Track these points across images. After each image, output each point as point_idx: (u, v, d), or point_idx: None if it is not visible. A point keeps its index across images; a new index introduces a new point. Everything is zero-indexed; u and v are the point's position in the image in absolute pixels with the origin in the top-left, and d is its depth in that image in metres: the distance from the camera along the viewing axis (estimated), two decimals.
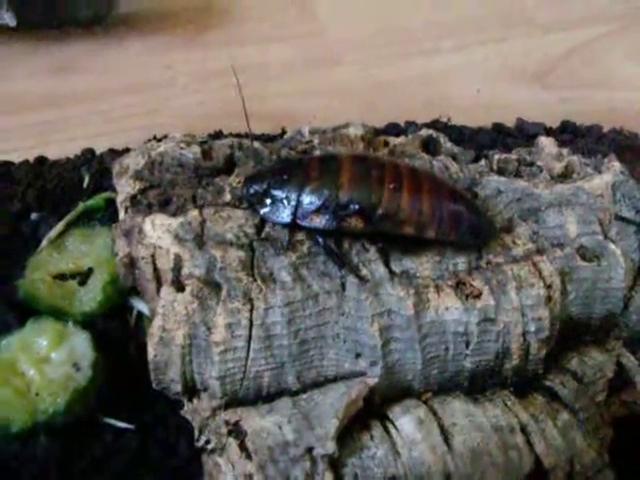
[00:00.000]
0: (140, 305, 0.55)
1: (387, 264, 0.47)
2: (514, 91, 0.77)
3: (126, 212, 0.51)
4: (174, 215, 0.49)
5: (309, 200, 0.46)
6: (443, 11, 0.91)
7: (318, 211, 0.46)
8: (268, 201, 0.47)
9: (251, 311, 0.44)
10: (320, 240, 0.46)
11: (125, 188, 0.51)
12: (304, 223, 0.46)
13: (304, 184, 0.47)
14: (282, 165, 0.50)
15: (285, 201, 0.46)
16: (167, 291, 0.45)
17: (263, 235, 0.48)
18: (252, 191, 0.48)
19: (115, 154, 0.68)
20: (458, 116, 0.76)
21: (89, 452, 0.50)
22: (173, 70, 0.83)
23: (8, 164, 0.68)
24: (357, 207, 0.45)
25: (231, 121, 0.73)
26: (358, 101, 0.79)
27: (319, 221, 0.46)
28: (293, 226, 0.47)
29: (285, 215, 0.46)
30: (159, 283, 0.47)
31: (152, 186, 0.51)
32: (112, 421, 0.51)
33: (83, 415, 0.50)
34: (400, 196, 0.46)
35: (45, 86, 0.81)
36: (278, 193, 0.47)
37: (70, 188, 0.66)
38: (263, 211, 0.47)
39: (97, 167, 0.68)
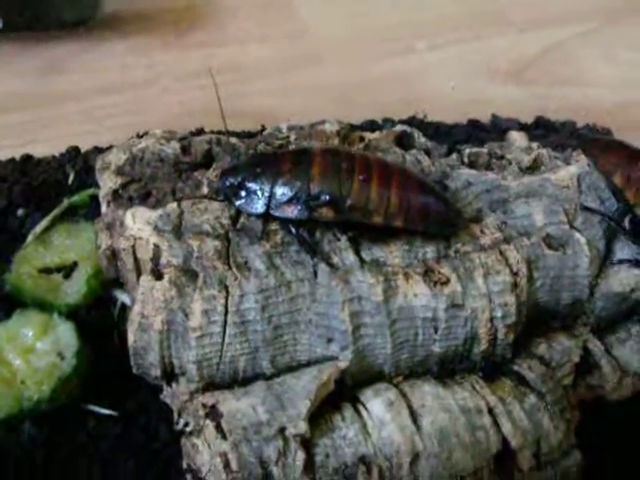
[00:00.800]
0: (123, 297, 0.57)
1: (357, 252, 0.48)
2: (489, 88, 0.78)
3: (108, 206, 0.52)
4: (154, 208, 0.50)
5: (281, 191, 0.48)
6: (420, 10, 0.92)
7: (290, 202, 0.47)
8: (243, 193, 0.49)
9: (226, 298, 0.45)
10: (293, 230, 0.48)
11: (107, 183, 0.53)
12: (277, 213, 0.48)
13: (277, 176, 0.48)
14: (256, 159, 0.51)
15: (259, 193, 0.48)
16: (146, 279, 0.46)
17: (238, 226, 0.49)
18: (227, 184, 0.49)
19: (99, 152, 0.70)
20: (434, 113, 0.78)
21: (73, 438, 0.51)
22: (155, 70, 0.85)
23: None
24: (327, 198, 0.47)
25: (212, 119, 0.75)
26: (337, 99, 0.81)
27: (291, 211, 0.47)
28: (267, 216, 0.48)
29: (259, 206, 0.48)
30: (139, 273, 0.49)
31: (133, 180, 0.53)
32: (95, 408, 0.53)
33: (67, 402, 0.52)
34: (369, 187, 0.47)
35: (31, 86, 0.83)
36: (252, 185, 0.48)
37: (55, 185, 0.68)
38: (238, 203, 0.49)
39: (82, 165, 0.70)
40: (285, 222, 0.49)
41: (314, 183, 0.48)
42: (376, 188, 0.47)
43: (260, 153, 0.55)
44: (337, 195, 0.47)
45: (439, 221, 0.50)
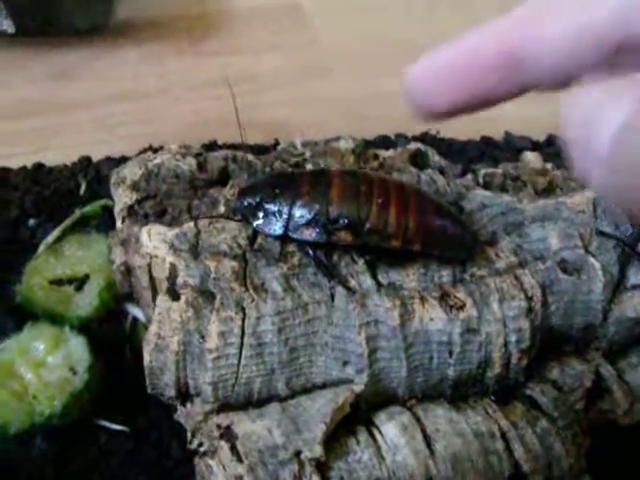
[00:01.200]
0: (135, 311, 0.57)
1: (374, 276, 0.49)
2: (502, 104, 0.78)
3: (123, 222, 0.52)
4: (170, 225, 0.50)
5: (300, 214, 0.48)
6: (433, 23, 0.92)
7: (309, 224, 0.47)
8: (261, 214, 0.49)
9: (243, 320, 0.45)
10: (310, 252, 0.48)
11: (122, 198, 0.53)
12: (295, 235, 0.48)
13: (295, 198, 0.48)
14: (274, 179, 0.51)
15: (277, 214, 0.48)
16: (163, 299, 0.46)
17: (256, 247, 0.49)
18: (245, 204, 0.49)
19: (111, 162, 0.70)
20: (447, 129, 0.78)
21: (84, 453, 0.51)
22: (168, 79, 0.85)
23: (7, 170, 0.70)
24: (346, 221, 0.47)
25: (225, 130, 0.75)
26: (350, 112, 0.81)
27: (309, 234, 0.47)
28: (284, 238, 0.48)
29: (277, 227, 0.48)
30: (155, 291, 0.49)
31: (148, 197, 0.53)
32: (107, 423, 0.53)
33: (79, 417, 0.52)
34: (387, 211, 0.47)
35: (43, 93, 0.83)
36: (270, 206, 0.48)
37: (67, 195, 0.68)
38: (256, 223, 0.49)
39: (93, 174, 0.69)
40: (302, 244, 0.49)
41: (333, 206, 0.48)
42: (394, 212, 0.47)
43: (277, 173, 0.55)
44: (355, 219, 0.47)
45: (456, 245, 0.50)
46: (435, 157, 0.61)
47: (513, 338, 0.48)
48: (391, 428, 0.46)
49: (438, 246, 0.49)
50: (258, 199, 0.49)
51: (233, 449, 0.44)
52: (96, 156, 0.72)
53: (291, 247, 0.49)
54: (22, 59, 0.85)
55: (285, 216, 0.48)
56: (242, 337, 0.45)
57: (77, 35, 0.86)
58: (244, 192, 0.51)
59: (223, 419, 0.46)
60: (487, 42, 0.37)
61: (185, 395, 0.47)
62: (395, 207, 0.48)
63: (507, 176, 0.59)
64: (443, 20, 0.94)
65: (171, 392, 0.47)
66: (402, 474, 0.44)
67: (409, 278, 0.49)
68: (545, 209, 0.55)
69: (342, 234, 0.47)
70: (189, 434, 0.47)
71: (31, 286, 0.58)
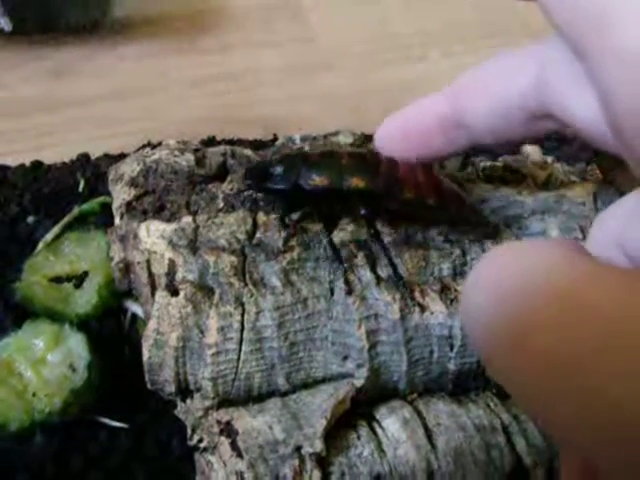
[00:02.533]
0: (134, 307, 0.56)
1: (374, 269, 0.48)
2: None
3: (121, 218, 0.52)
4: (168, 221, 0.50)
5: (312, 168, 0.47)
6: (433, 18, 0.92)
7: (321, 175, 0.47)
8: (269, 176, 0.48)
9: (242, 315, 0.45)
10: (324, 240, 0.48)
11: (120, 194, 0.53)
12: (307, 185, 0.47)
13: (306, 159, 0.48)
14: (282, 156, 0.51)
15: (287, 172, 0.48)
16: (162, 295, 0.46)
17: (254, 241, 0.49)
18: (255, 173, 0.49)
19: (110, 159, 0.70)
20: None
21: (84, 450, 0.51)
22: (166, 75, 0.84)
23: (5, 168, 0.70)
24: (358, 171, 0.47)
25: (224, 126, 0.75)
26: (348, 107, 0.81)
27: (321, 181, 0.47)
28: (294, 197, 0.48)
29: (287, 181, 0.47)
30: (154, 287, 0.49)
31: (147, 192, 0.52)
32: (107, 420, 0.52)
33: (79, 415, 0.52)
34: (396, 170, 0.47)
35: (40, 90, 0.82)
36: (280, 168, 0.48)
37: (66, 192, 0.67)
38: (264, 185, 0.48)
39: (92, 172, 0.69)
40: (313, 205, 0.49)
41: (344, 162, 0.47)
42: (404, 171, 0.47)
43: (285, 153, 0.54)
44: (366, 171, 0.47)
45: (471, 213, 0.50)
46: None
47: None
48: (392, 422, 0.46)
49: (453, 204, 0.49)
50: (266, 167, 0.49)
51: (233, 445, 0.44)
52: (94, 153, 0.72)
53: (291, 242, 0.49)
54: (19, 57, 0.85)
55: (295, 173, 0.47)
56: (242, 332, 0.45)
57: (74, 33, 0.86)
58: (252, 168, 0.51)
59: (223, 415, 0.45)
60: (429, 109, 0.44)
61: (185, 391, 0.47)
62: (403, 171, 0.48)
63: (507, 169, 0.59)
64: (445, 15, 0.94)
65: (171, 388, 0.46)
66: (403, 469, 0.44)
67: (409, 271, 0.49)
68: (545, 202, 0.55)
69: (354, 180, 0.47)
70: (189, 430, 0.46)
71: (30, 284, 0.58)
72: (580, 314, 0.22)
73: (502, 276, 0.25)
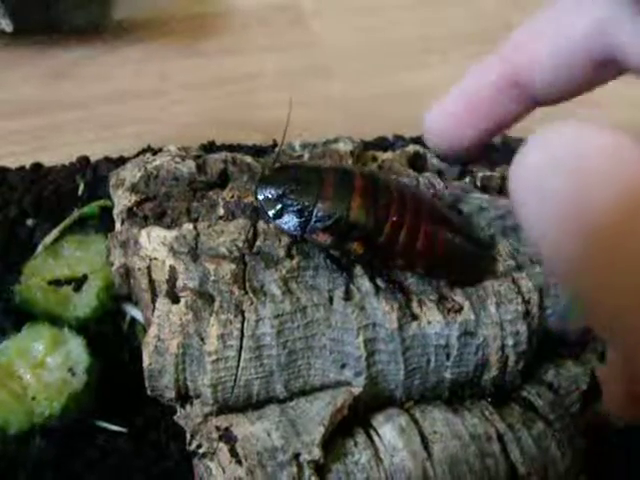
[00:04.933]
0: (133, 311, 0.57)
1: (372, 279, 0.49)
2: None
3: (122, 224, 0.52)
4: (169, 228, 0.50)
5: (319, 217, 0.47)
6: (433, 25, 0.92)
7: (326, 230, 0.47)
8: (279, 206, 0.48)
9: (242, 322, 0.46)
10: (325, 256, 0.49)
11: (121, 200, 0.53)
12: (311, 238, 0.48)
13: (318, 200, 0.47)
14: (299, 172, 0.50)
15: (297, 213, 0.47)
16: (162, 302, 0.46)
17: (255, 249, 0.49)
18: (266, 194, 0.49)
19: (110, 162, 0.70)
20: None
21: (83, 454, 0.51)
22: (167, 78, 0.85)
23: (5, 170, 0.70)
24: (362, 234, 0.47)
25: (224, 130, 0.75)
26: (349, 113, 0.81)
27: (325, 239, 0.47)
28: (298, 238, 0.49)
29: (295, 226, 0.48)
30: (154, 293, 0.49)
31: (148, 199, 0.53)
32: (105, 424, 0.53)
33: (77, 418, 0.52)
34: (399, 232, 0.47)
35: (41, 92, 0.82)
36: (291, 203, 0.48)
37: (65, 195, 0.68)
38: (274, 217, 0.48)
39: (92, 175, 0.69)
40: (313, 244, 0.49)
41: (352, 215, 0.47)
42: (405, 234, 0.47)
43: (302, 165, 0.53)
44: (370, 232, 0.47)
45: (465, 269, 0.50)
46: (433, 159, 0.62)
47: (510, 341, 0.49)
48: (389, 430, 0.46)
49: (444, 271, 0.50)
50: (280, 192, 0.48)
51: (232, 451, 0.44)
52: (94, 156, 0.72)
53: (294, 250, 0.49)
54: (21, 58, 0.85)
55: (304, 217, 0.47)
56: (241, 340, 0.46)
57: (76, 34, 0.86)
58: (266, 181, 0.50)
59: (222, 421, 0.46)
60: (486, 76, 0.42)
61: (185, 397, 0.47)
62: (407, 230, 0.48)
63: (505, 179, 0.60)
64: (445, 22, 0.95)
65: (171, 394, 0.47)
66: (399, 476, 0.45)
67: (407, 281, 0.49)
68: None
69: (355, 245, 0.48)
70: (188, 435, 0.47)
71: (30, 287, 0.58)
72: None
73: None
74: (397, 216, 0.47)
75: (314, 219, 0.47)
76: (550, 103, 0.42)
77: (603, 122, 0.25)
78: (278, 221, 0.48)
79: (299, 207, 0.48)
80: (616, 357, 0.35)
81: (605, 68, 0.37)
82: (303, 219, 0.48)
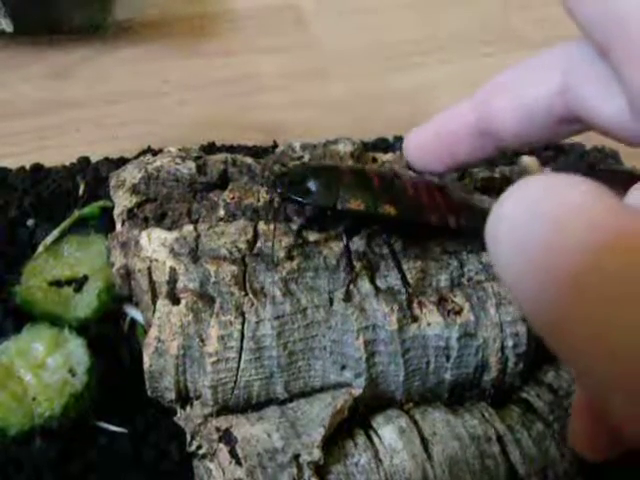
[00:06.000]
0: (134, 312, 0.57)
1: (373, 281, 0.49)
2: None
3: (123, 225, 0.52)
4: (169, 229, 0.50)
5: (347, 188, 0.48)
6: (432, 26, 0.93)
7: (356, 198, 0.48)
8: (305, 189, 0.49)
9: (243, 324, 0.46)
10: (344, 240, 0.49)
11: (122, 201, 0.53)
12: (344, 207, 0.48)
13: (340, 178, 0.49)
14: (315, 169, 0.51)
15: (325, 187, 0.48)
16: (163, 303, 0.47)
17: (255, 251, 0.50)
18: (286, 182, 0.49)
19: (110, 163, 0.70)
20: None
21: (83, 455, 0.51)
22: (167, 79, 0.85)
23: (5, 170, 0.70)
24: (389, 197, 0.49)
25: (224, 131, 0.75)
26: (348, 114, 0.81)
27: (358, 205, 0.48)
28: (328, 213, 0.49)
29: (327, 201, 0.48)
30: (154, 294, 0.49)
31: (148, 200, 0.53)
32: (106, 425, 0.53)
33: (78, 419, 0.52)
34: (421, 196, 0.50)
35: (41, 92, 0.82)
36: (316, 185, 0.48)
37: (66, 196, 0.68)
38: (302, 197, 0.49)
39: (92, 175, 0.69)
40: (343, 221, 0.50)
41: (375, 187, 0.49)
42: (425, 195, 0.50)
43: (316, 163, 0.55)
44: (396, 197, 0.49)
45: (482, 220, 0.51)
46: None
47: (510, 343, 0.49)
48: (389, 431, 0.46)
49: (472, 222, 0.51)
50: (301, 177, 0.49)
51: (232, 452, 0.44)
52: (95, 157, 0.72)
53: (292, 252, 0.49)
54: (20, 58, 0.85)
55: (333, 190, 0.48)
56: (242, 341, 0.46)
57: (76, 35, 0.86)
58: (283, 173, 0.51)
59: (222, 422, 0.46)
60: (458, 118, 0.45)
61: (185, 398, 0.47)
62: (426, 191, 0.50)
63: (504, 180, 0.60)
64: (444, 23, 0.95)
65: (171, 395, 0.47)
66: (399, 477, 0.45)
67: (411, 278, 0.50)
68: None
69: (387, 207, 0.48)
70: (188, 437, 0.47)
71: (30, 287, 0.58)
72: (607, 243, 0.23)
73: (533, 206, 0.25)
74: (413, 190, 0.50)
75: (342, 188, 0.48)
76: (517, 150, 0.48)
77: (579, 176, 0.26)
78: (306, 199, 0.48)
79: (325, 186, 0.48)
80: (581, 392, 0.36)
81: (570, 124, 0.40)
82: (333, 195, 0.48)
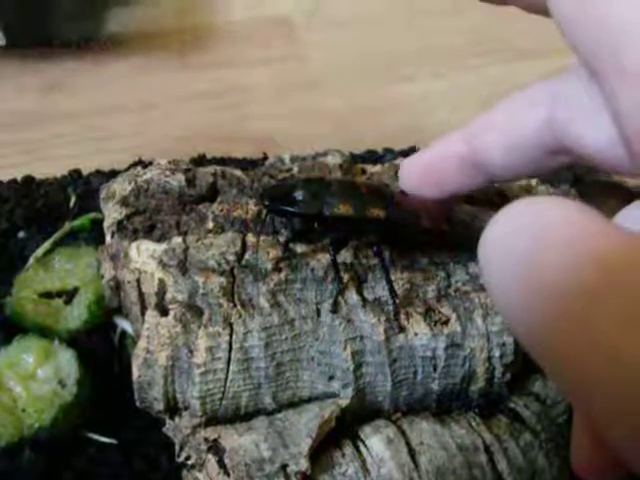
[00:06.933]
0: (124, 324, 0.57)
1: (360, 292, 0.49)
2: None
3: (112, 237, 0.53)
4: (158, 241, 0.51)
5: (334, 195, 0.49)
6: (424, 38, 0.93)
7: (344, 202, 0.48)
8: (291, 199, 0.49)
9: (231, 335, 0.46)
10: (331, 252, 0.48)
11: (112, 213, 0.54)
12: (332, 212, 0.48)
13: (328, 188, 0.49)
14: (302, 181, 0.52)
15: (312, 199, 0.49)
16: (151, 315, 0.47)
17: (243, 262, 0.50)
18: (275, 194, 0.50)
19: (101, 175, 0.71)
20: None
21: (73, 465, 0.52)
22: (158, 91, 0.85)
23: None
24: (378, 200, 0.49)
25: (214, 144, 0.76)
26: (338, 126, 0.82)
27: (346, 209, 0.48)
28: (312, 223, 0.50)
29: (313, 208, 0.48)
30: (143, 306, 0.49)
31: (138, 212, 0.53)
32: (95, 436, 0.53)
33: (68, 430, 0.52)
34: (409, 202, 0.50)
35: (32, 105, 0.83)
36: (302, 194, 0.49)
37: (57, 208, 0.68)
38: (289, 206, 0.49)
39: (83, 188, 0.70)
40: (327, 235, 0.50)
41: (363, 192, 0.50)
42: (415, 201, 0.50)
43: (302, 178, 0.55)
44: (385, 202, 0.49)
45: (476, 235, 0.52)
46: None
47: (497, 353, 0.49)
48: (376, 441, 0.47)
49: (463, 228, 0.52)
50: (288, 189, 0.50)
51: (220, 462, 0.44)
52: (86, 169, 0.72)
53: (279, 264, 0.49)
54: (12, 71, 0.85)
55: (321, 198, 0.49)
56: (229, 352, 0.46)
57: (67, 47, 0.86)
58: (271, 187, 0.52)
59: (211, 432, 0.46)
60: (449, 150, 0.46)
61: (174, 409, 0.48)
62: (416, 199, 0.50)
63: (492, 191, 0.60)
64: (436, 35, 0.96)
65: (160, 406, 0.47)
66: None
67: (400, 289, 0.50)
68: None
69: (375, 210, 0.49)
70: (177, 447, 0.47)
71: (20, 299, 0.58)
72: (588, 262, 0.23)
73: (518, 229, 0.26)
74: (402, 193, 0.50)
75: (329, 195, 0.49)
76: (507, 181, 0.50)
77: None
78: (293, 209, 0.49)
79: (312, 195, 0.49)
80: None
81: (558, 156, 0.40)
82: (319, 202, 0.48)
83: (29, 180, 0.71)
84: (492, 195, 0.60)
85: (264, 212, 0.51)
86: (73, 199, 0.69)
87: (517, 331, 0.27)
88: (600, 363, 0.22)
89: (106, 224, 0.54)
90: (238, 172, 0.57)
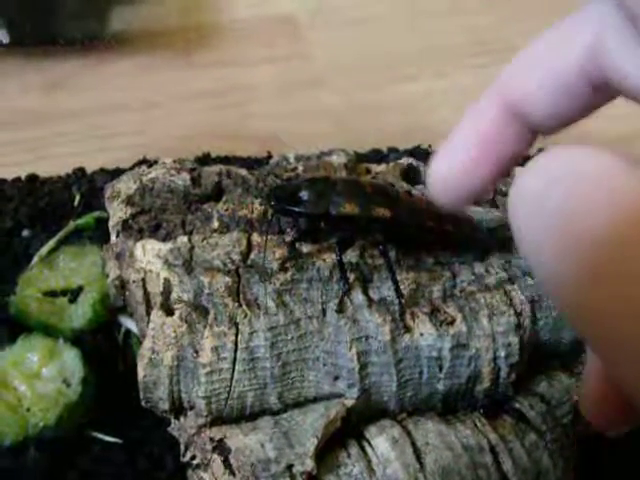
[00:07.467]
0: (128, 323, 0.57)
1: (366, 292, 0.49)
2: None
3: (117, 236, 0.53)
4: (164, 240, 0.51)
5: (340, 194, 0.49)
6: (428, 38, 0.93)
7: (350, 201, 0.49)
8: (297, 199, 0.49)
9: (236, 335, 0.46)
10: (337, 252, 0.49)
11: (117, 212, 0.54)
12: (338, 211, 0.49)
13: (333, 187, 0.50)
14: (307, 181, 0.52)
15: (318, 198, 0.49)
16: (157, 314, 0.47)
17: (249, 262, 0.50)
18: (282, 195, 0.50)
19: (105, 174, 0.71)
20: (439, 142, 0.78)
21: (78, 465, 0.52)
22: (162, 90, 0.85)
23: (1, 181, 0.70)
24: (383, 200, 0.50)
25: (218, 142, 0.76)
26: (343, 125, 0.81)
27: (352, 208, 0.48)
28: (318, 223, 0.50)
29: (320, 208, 0.49)
30: (149, 305, 0.49)
31: (143, 211, 0.53)
32: (100, 435, 0.53)
33: (72, 429, 0.52)
34: (414, 202, 0.51)
35: (37, 103, 0.83)
36: (308, 194, 0.49)
37: (61, 206, 0.68)
38: (297, 209, 0.49)
39: (87, 186, 0.70)
40: (333, 235, 0.50)
41: (368, 192, 0.50)
42: (420, 201, 0.51)
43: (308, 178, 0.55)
44: (390, 201, 0.50)
45: (479, 236, 0.52)
46: (426, 172, 0.62)
47: (502, 353, 0.49)
48: (382, 442, 0.47)
49: (468, 228, 0.52)
50: (294, 189, 0.50)
51: (226, 462, 0.44)
52: (90, 167, 0.72)
53: (288, 263, 0.49)
54: (16, 70, 0.85)
55: (327, 198, 0.49)
56: (235, 352, 0.46)
57: (71, 46, 0.86)
58: (277, 188, 0.52)
59: (216, 432, 0.46)
60: (484, 115, 0.39)
61: (179, 409, 0.48)
62: (421, 199, 0.51)
63: (497, 192, 0.60)
64: (439, 35, 0.95)
65: (165, 406, 0.47)
66: None
67: (405, 290, 0.50)
68: None
69: (381, 210, 0.49)
70: (182, 447, 0.47)
71: (25, 298, 0.58)
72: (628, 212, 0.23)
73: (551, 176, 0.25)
74: (406, 194, 0.51)
75: (334, 195, 0.49)
76: (550, 132, 0.40)
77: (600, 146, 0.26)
78: (299, 209, 0.49)
79: (318, 195, 0.49)
80: (594, 358, 0.35)
81: (601, 92, 0.38)
82: (325, 201, 0.49)
83: (33, 178, 0.71)
84: (495, 195, 0.60)
85: (270, 212, 0.51)
86: (77, 197, 0.69)
87: (546, 283, 0.26)
88: (632, 316, 0.22)
89: (111, 223, 0.54)
90: (243, 171, 0.57)
